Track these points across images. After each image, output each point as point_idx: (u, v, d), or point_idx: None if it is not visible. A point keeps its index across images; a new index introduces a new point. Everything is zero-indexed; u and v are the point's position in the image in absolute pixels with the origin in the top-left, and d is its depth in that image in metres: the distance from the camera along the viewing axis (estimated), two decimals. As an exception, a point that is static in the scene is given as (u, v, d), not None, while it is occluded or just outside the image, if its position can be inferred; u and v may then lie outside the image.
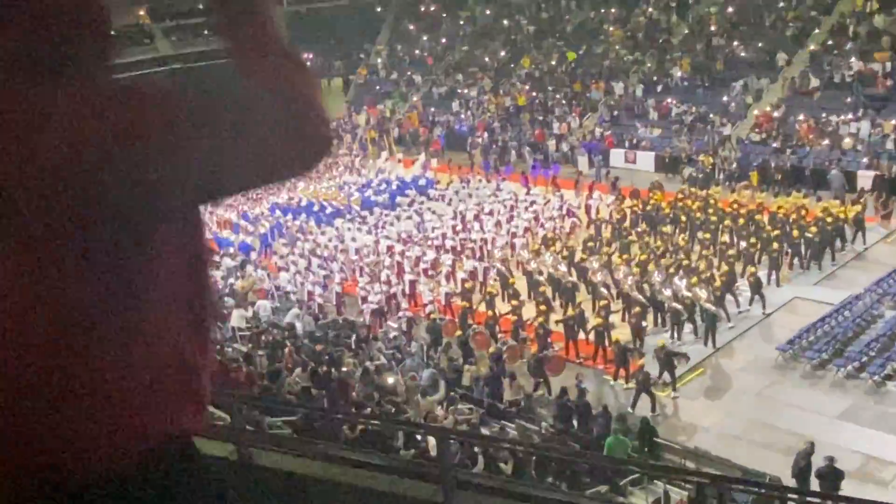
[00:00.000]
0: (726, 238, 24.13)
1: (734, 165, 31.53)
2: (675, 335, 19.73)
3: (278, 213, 32.08)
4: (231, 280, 24.30)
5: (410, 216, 29.25)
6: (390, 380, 16.09)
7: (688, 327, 19.91)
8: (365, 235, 27.60)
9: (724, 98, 36.59)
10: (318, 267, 25.70)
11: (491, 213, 28.81)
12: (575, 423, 15.55)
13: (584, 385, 16.52)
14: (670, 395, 17.46)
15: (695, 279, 20.44)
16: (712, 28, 40.71)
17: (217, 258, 25.24)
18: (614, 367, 18.13)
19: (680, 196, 28.05)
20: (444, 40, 51.55)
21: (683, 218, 25.67)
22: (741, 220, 24.56)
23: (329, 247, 27.23)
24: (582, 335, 19.61)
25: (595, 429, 15.05)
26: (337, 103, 54.69)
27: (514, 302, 20.63)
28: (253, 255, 27.37)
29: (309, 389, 14.60)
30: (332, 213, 31.47)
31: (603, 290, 20.92)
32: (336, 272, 24.76)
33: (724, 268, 21.62)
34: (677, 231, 25.63)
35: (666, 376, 17.55)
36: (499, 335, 19.87)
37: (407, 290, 23.10)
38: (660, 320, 20.50)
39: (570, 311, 20.08)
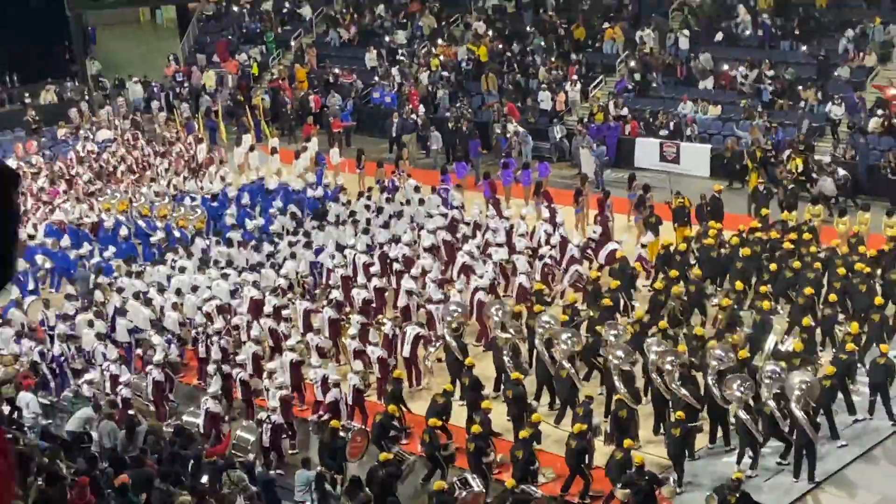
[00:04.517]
0: (835, 297, 24.24)
1: (841, 174, 32.16)
2: (750, 462, 19.56)
3: (49, 239, 31.73)
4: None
5: (295, 250, 29.10)
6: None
7: (769, 445, 19.89)
8: (215, 281, 27.48)
9: (828, 57, 37.28)
10: (134, 332, 25.42)
11: (433, 248, 28.85)
12: None
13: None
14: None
15: (784, 363, 20.59)
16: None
17: None
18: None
19: (756, 224, 28.28)
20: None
21: (773, 265, 25.84)
22: (864, 268, 24.93)
23: (152, 300, 26.90)
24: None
25: None
26: (167, 50, 54.12)
27: (487, 404, 20.45)
28: (11, 310, 26.61)
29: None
30: (158, 243, 31.35)
31: (620, 384, 20.62)
32: (162, 344, 24.26)
33: (849, 344, 21.48)
34: (754, 283, 25.86)
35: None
36: (445, 460, 19.76)
37: (286, 378, 22.54)
38: (719, 433, 20.58)
39: (575, 425, 19.52)
